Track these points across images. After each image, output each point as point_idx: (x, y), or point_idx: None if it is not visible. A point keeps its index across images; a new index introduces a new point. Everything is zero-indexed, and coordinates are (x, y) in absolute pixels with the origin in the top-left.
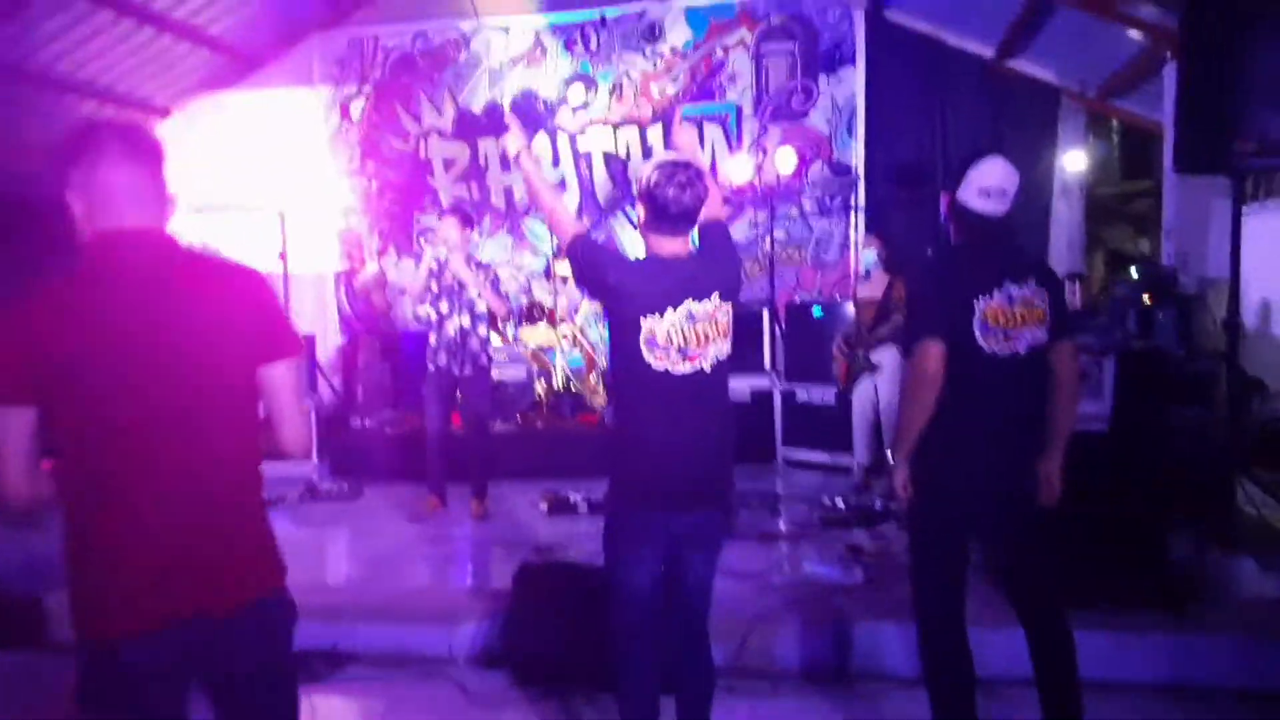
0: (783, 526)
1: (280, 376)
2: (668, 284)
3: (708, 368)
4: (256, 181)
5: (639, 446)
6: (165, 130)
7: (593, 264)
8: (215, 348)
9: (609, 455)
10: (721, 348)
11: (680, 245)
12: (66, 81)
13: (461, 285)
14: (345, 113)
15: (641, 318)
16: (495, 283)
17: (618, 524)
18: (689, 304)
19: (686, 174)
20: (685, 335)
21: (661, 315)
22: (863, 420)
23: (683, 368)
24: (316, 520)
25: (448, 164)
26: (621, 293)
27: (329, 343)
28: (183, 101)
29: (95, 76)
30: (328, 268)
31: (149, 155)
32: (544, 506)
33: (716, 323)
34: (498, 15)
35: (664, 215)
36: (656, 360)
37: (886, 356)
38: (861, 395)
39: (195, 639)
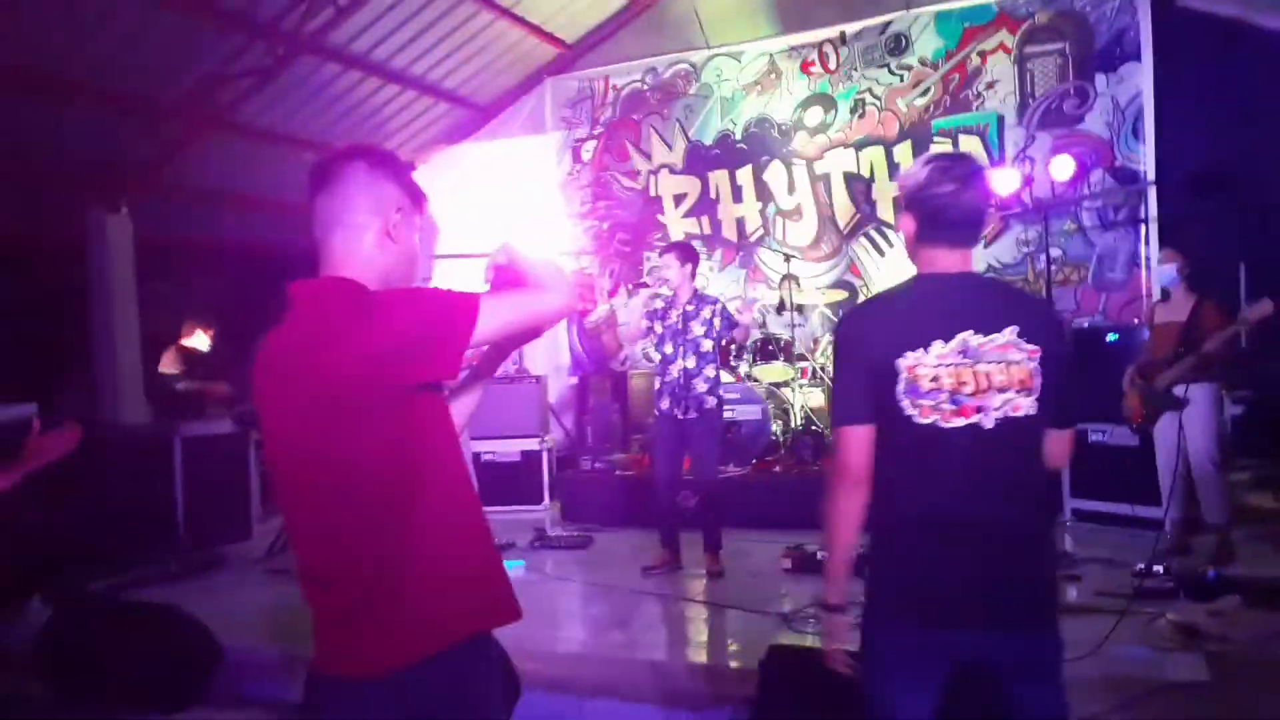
0: (1085, 597)
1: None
2: (938, 308)
3: (989, 424)
4: (494, 228)
5: (898, 532)
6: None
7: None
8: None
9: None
10: (1017, 403)
11: (960, 260)
12: (316, 141)
13: (686, 324)
14: (577, 155)
15: (898, 357)
16: (740, 312)
17: (876, 648)
18: (966, 336)
19: (966, 168)
20: (958, 377)
21: (926, 349)
22: (1169, 463)
23: (955, 421)
24: (546, 569)
25: (678, 199)
26: (870, 340)
27: (561, 383)
28: (426, 154)
29: (345, 134)
30: None
31: (334, 179)
32: (786, 563)
33: (1009, 367)
34: (729, 43)
35: (939, 221)
36: (920, 412)
37: (1196, 391)
38: (1166, 437)
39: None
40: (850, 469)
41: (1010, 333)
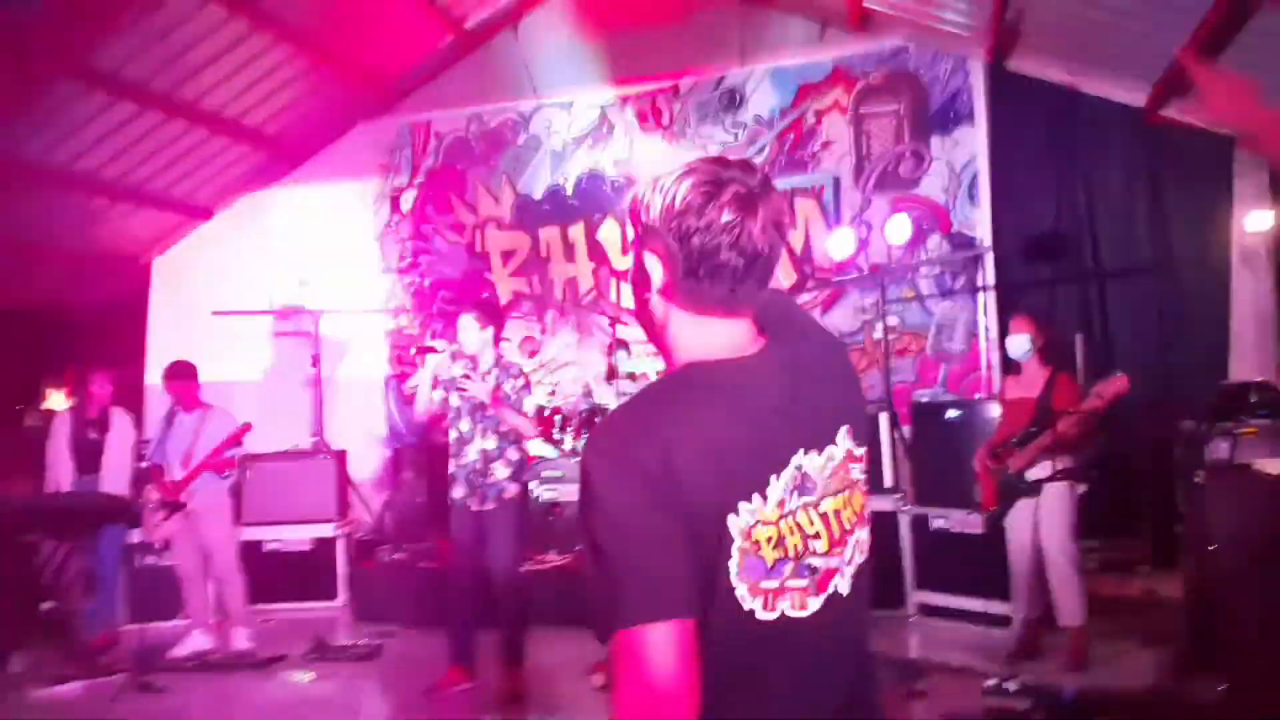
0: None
1: None
2: (758, 417)
3: (845, 588)
4: (299, 283)
5: None
6: (208, 232)
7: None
8: None
9: None
10: (864, 542)
11: (748, 332)
12: (91, 179)
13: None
14: (396, 205)
15: (730, 511)
16: (520, 394)
17: None
18: (801, 462)
19: (750, 182)
20: (803, 529)
21: (764, 495)
22: (1021, 556)
23: (810, 603)
24: (317, 689)
25: (506, 256)
26: (688, 474)
27: (372, 457)
28: (224, 200)
29: (124, 172)
30: (376, 373)
31: None
32: (598, 680)
33: (852, 495)
34: (559, 93)
35: (714, 269)
36: (764, 602)
37: (1047, 474)
38: (1019, 524)
39: None
40: (664, 704)
41: (845, 437)
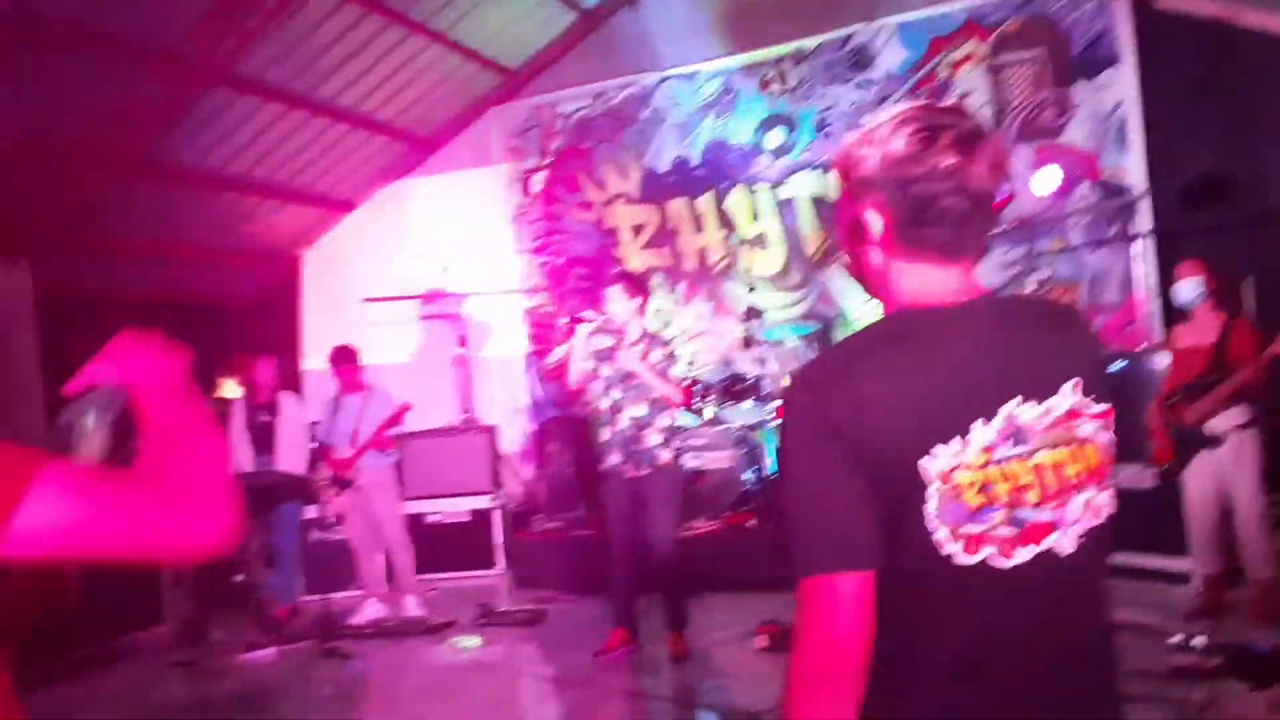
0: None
1: None
2: (965, 364)
3: (1069, 547)
4: (442, 268)
5: None
6: (352, 223)
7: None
8: None
9: None
10: (1099, 505)
11: (966, 278)
12: (244, 180)
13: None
14: (527, 187)
15: (923, 455)
16: (667, 363)
17: None
18: (1013, 410)
19: (967, 128)
20: (1015, 479)
21: (966, 439)
22: (1203, 511)
23: (1019, 554)
24: (491, 654)
25: (636, 230)
26: (872, 421)
27: (516, 431)
28: (364, 193)
29: (273, 172)
30: (516, 350)
31: None
32: (762, 642)
33: (1081, 448)
34: (682, 64)
35: (931, 216)
36: (966, 546)
37: (1230, 425)
38: (1199, 478)
39: None
40: (845, 650)
41: (1072, 391)
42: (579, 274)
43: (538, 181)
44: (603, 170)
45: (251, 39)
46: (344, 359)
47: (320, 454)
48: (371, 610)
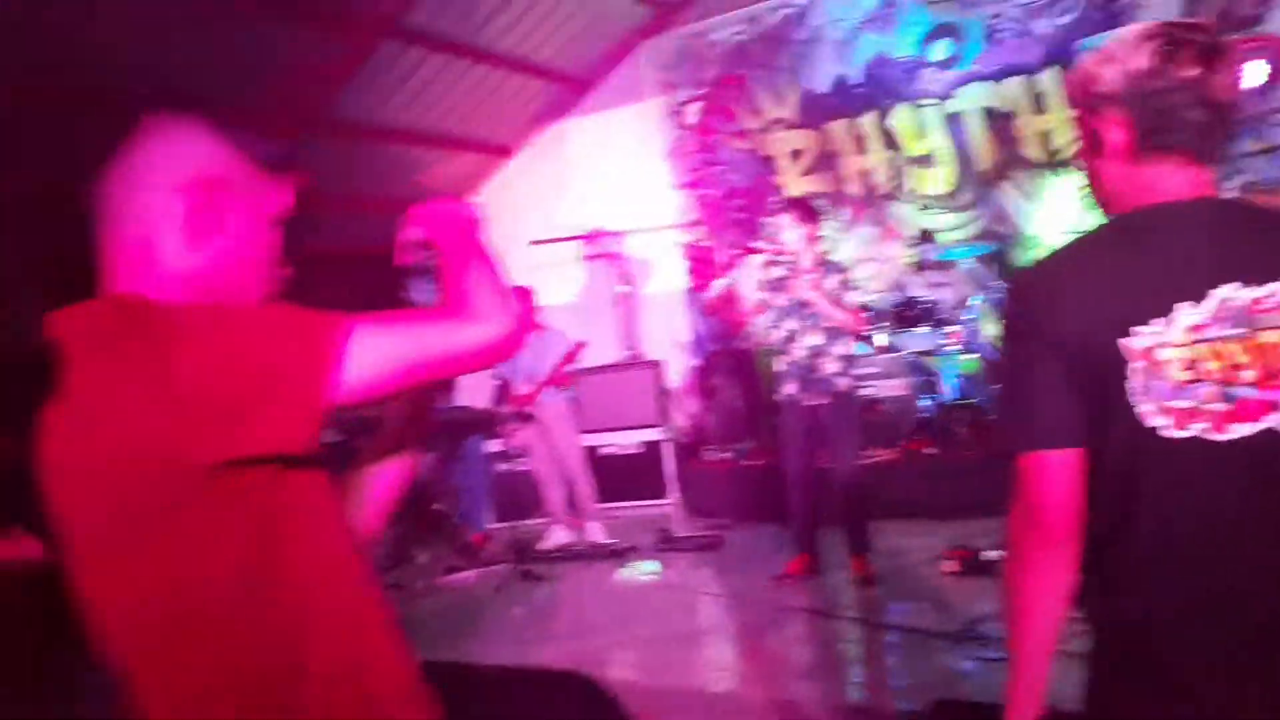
0: None
1: None
2: (1177, 253)
3: None
4: (601, 208)
5: (1140, 632)
6: (514, 168)
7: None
8: None
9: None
10: None
11: (1197, 181)
12: (411, 132)
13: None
14: (680, 121)
15: (1123, 335)
16: (842, 290)
17: None
18: (1228, 293)
19: (1208, 42)
20: (1229, 357)
21: (1169, 319)
22: None
23: (1233, 429)
24: (672, 576)
25: (794, 156)
26: (1072, 310)
27: (678, 365)
28: (524, 137)
29: (432, 123)
30: (676, 286)
31: (124, 144)
32: (951, 565)
33: None
34: None
35: (1173, 125)
36: (1175, 420)
37: None
38: None
39: None
40: (1048, 520)
41: None
42: (736, 205)
43: (692, 114)
44: (759, 97)
45: None
46: (520, 299)
47: (501, 391)
48: (558, 536)
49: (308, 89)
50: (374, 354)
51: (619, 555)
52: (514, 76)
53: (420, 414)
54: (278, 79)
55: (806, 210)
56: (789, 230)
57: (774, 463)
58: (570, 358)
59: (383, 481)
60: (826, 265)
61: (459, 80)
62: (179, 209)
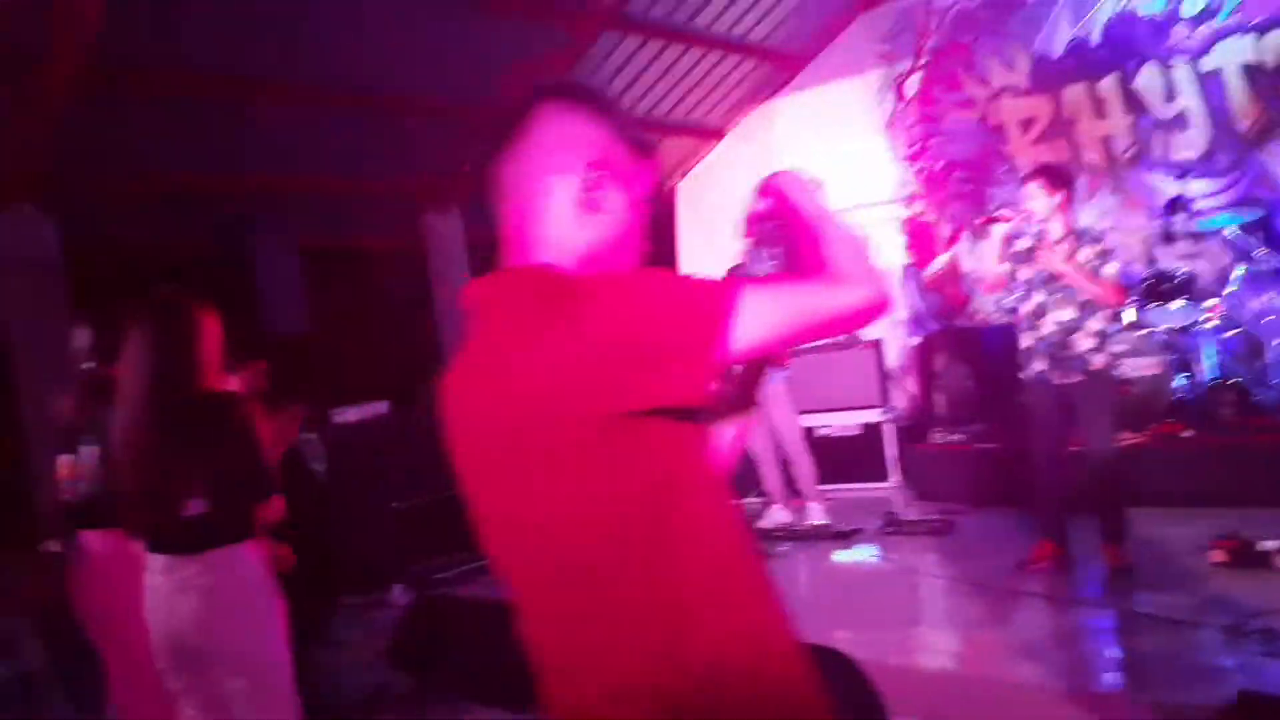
0: None
1: None
2: None
3: None
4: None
5: None
6: (724, 150)
7: None
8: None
9: None
10: None
11: None
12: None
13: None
14: (900, 92)
15: None
16: (1098, 261)
17: None
18: None
19: None
20: None
21: None
22: None
23: None
24: (900, 560)
25: (1025, 125)
26: None
27: (896, 345)
28: (734, 118)
29: (650, 109)
30: (894, 262)
31: (517, 130)
32: (1217, 555)
33: None
34: None
35: None
36: None
37: None
38: None
39: None
40: None
41: None
42: (960, 178)
43: (912, 85)
44: (986, 64)
45: None
46: None
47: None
48: (777, 516)
49: (526, 82)
50: (760, 315)
51: (844, 537)
52: (727, 58)
53: (757, 378)
54: (499, 73)
55: (1057, 176)
56: (1037, 199)
57: (1010, 446)
58: None
59: (725, 443)
60: (1080, 235)
61: (673, 65)
62: (574, 189)
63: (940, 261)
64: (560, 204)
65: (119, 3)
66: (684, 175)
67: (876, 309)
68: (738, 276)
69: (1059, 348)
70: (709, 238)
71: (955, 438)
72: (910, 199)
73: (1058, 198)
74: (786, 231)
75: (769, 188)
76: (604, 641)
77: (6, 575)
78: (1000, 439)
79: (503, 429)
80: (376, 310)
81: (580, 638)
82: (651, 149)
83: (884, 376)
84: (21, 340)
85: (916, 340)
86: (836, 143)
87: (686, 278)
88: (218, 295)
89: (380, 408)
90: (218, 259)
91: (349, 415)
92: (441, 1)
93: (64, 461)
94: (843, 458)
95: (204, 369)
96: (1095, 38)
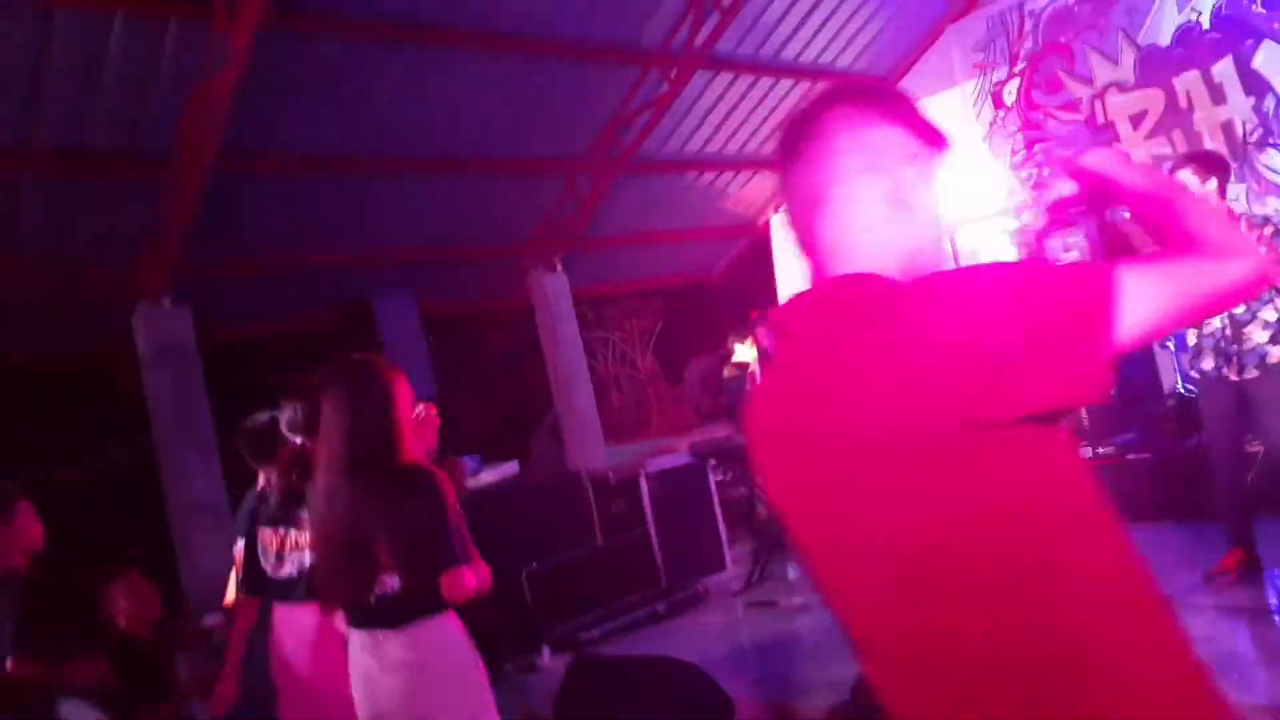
0: None
1: None
2: None
3: None
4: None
5: None
6: None
7: None
8: None
9: None
10: None
11: None
12: (719, 161)
13: None
14: (998, 100)
15: None
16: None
17: None
18: None
19: None
20: None
21: None
22: None
23: None
24: None
25: (1135, 120)
26: None
27: None
28: None
29: (742, 144)
30: None
31: (806, 140)
32: None
33: None
34: None
35: None
36: None
37: None
38: None
39: None
40: None
41: None
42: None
43: (1010, 92)
44: (1088, 61)
45: (727, 20)
46: None
47: None
48: None
49: (618, 128)
50: (1144, 298)
51: None
52: (815, 85)
53: None
54: (595, 126)
55: (1209, 162)
56: (1190, 187)
57: (1164, 452)
58: None
59: None
60: (1248, 221)
61: (763, 99)
62: (884, 188)
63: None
64: (869, 205)
65: (245, 98)
66: (777, 208)
67: (1263, 280)
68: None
69: (1230, 342)
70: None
71: (1104, 450)
72: (1020, 209)
73: (1211, 183)
74: (1099, 212)
75: (1078, 169)
76: (978, 690)
77: (166, 654)
78: (1146, 448)
79: (840, 449)
80: (487, 368)
81: (944, 685)
82: (944, 138)
83: None
84: (164, 425)
85: None
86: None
87: (1042, 265)
88: None
89: (511, 468)
90: (344, 332)
91: (485, 476)
92: (531, 59)
93: (267, 536)
94: None
95: (400, 435)
96: (1205, 22)
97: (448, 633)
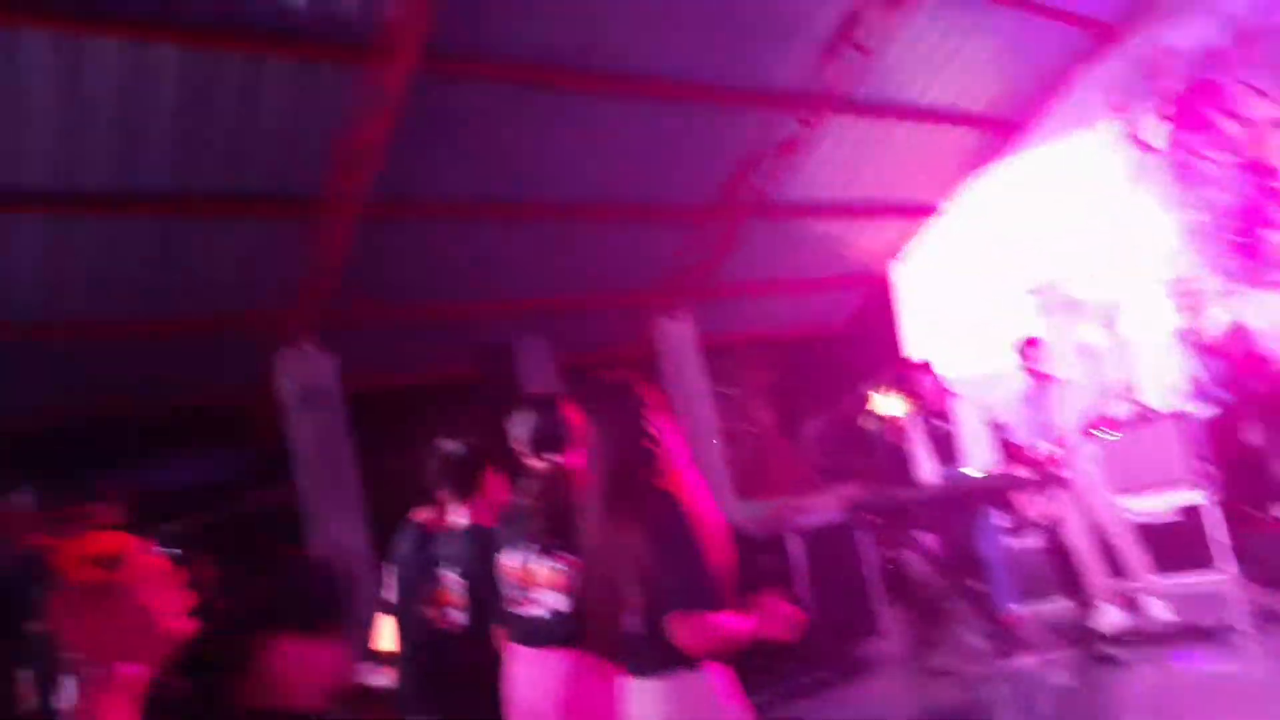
0: None
1: None
2: None
3: None
4: (1053, 251)
5: None
6: (937, 229)
7: None
8: None
9: None
10: None
11: None
12: (846, 206)
13: None
14: (1142, 143)
15: None
16: None
17: None
18: None
19: None
20: None
21: None
22: None
23: None
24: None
25: None
26: None
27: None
28: (948, 192)
29: (869, 188)
30: (1158, 329)
31: None
32: None
33: None
34: None
35: None
36: None
37: None
38: None
39: None
40: None
41: None
42: (1229, 226)
43: (1156, 134)
44: (1242, 99)
45: (866, 63)
46: (1033, 350)
47: (1010, 453)
48: (1112, 616)
49: (748, 172)
50: None
51: (1208, 636)
52: (943, 130)
53: None
54: (725, 170)
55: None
56: None
57: None
58: (1099, 409)
59: None
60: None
61: (888, 143)
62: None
63: (1220, 321)
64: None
65: (391, 143)
66: (896, 256)
67: None
68: None
69: None
70: (933, 319)
71: None
72: (1173, 256)
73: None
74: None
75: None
76: None
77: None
78: None
79: None
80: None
81: None
82: None
83: (1194, 453)
84: (308, 470)
85: (1213, 411)
86: (1073, 204)
87: None
88: (487, 417)
89: None
90: (483, 381)
91: None
92: (663, 103)
93: (511, 564)
94: (1156, 543)
95: (660, 457)
96: None
97: (711, 683)
